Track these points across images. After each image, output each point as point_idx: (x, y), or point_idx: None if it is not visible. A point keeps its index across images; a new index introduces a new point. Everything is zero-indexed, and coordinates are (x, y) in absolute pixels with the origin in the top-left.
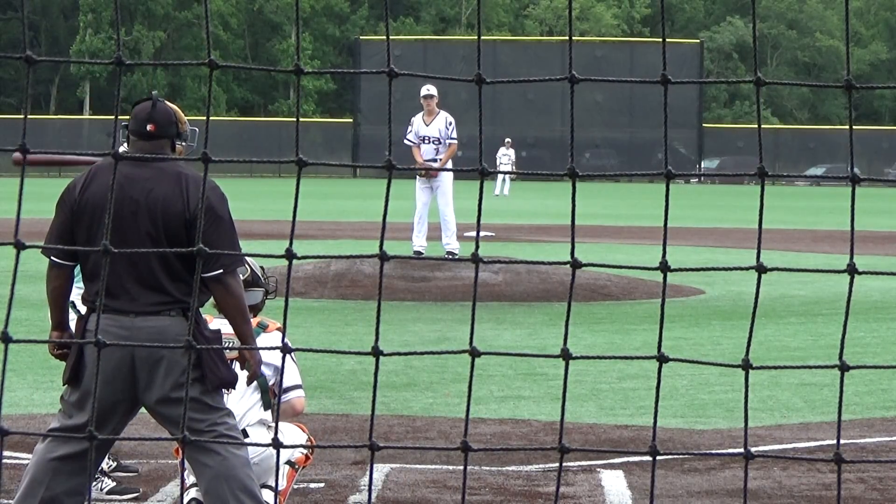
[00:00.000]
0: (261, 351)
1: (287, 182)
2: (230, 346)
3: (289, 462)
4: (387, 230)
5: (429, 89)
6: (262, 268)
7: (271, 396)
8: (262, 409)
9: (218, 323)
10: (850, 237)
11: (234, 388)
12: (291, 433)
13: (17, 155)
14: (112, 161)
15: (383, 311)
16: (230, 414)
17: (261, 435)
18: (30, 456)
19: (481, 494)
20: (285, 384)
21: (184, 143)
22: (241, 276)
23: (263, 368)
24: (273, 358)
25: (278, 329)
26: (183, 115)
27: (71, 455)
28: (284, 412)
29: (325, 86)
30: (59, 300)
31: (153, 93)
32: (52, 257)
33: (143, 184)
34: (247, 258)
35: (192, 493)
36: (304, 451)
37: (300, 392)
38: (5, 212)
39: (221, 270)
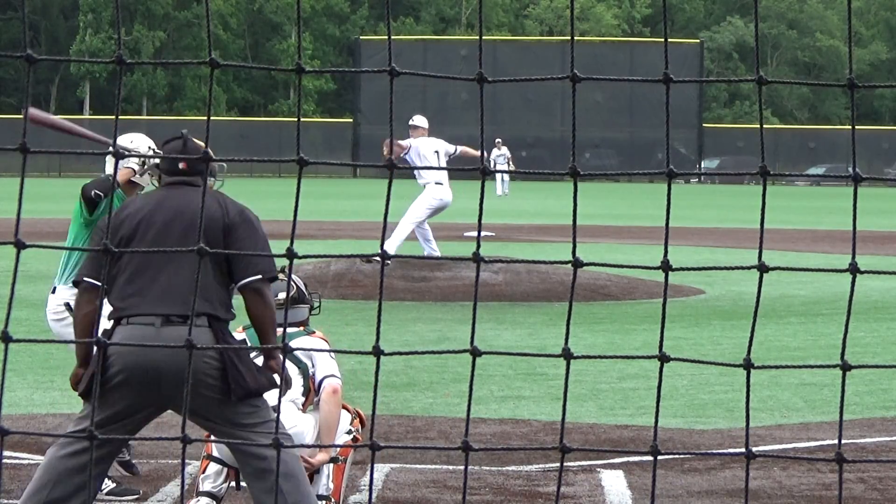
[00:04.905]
0: (302, 345)
1: (287, 182)
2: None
3: (333, 459)
4: (387, 230)
5: (413, 120)
6: (305, 284)
7: (311, 384)
8: (303, 394)
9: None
10: (850, 237)
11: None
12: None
13: (33, 111)
14: (153, 190)
15: (383, 311)
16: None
17: (290, 412)
18: (30, 456)
19: (481, 494)
20: (320, 374)
21: (213, 180)
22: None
23: (304, 358)
24: (311, 351)
25: (321, 338)
26: (212, 152)
27: (82, 453)
28: (322, 398)
29: (325, 86)
30: (89, 328)
31: (183, 131)
32: (86, 278)
33: (180, 198)
34: (293, 277)
35: (203, 501)
36: (351, 436)
37: (334, 379)
38: (5, 212)
39: (259, 276)
